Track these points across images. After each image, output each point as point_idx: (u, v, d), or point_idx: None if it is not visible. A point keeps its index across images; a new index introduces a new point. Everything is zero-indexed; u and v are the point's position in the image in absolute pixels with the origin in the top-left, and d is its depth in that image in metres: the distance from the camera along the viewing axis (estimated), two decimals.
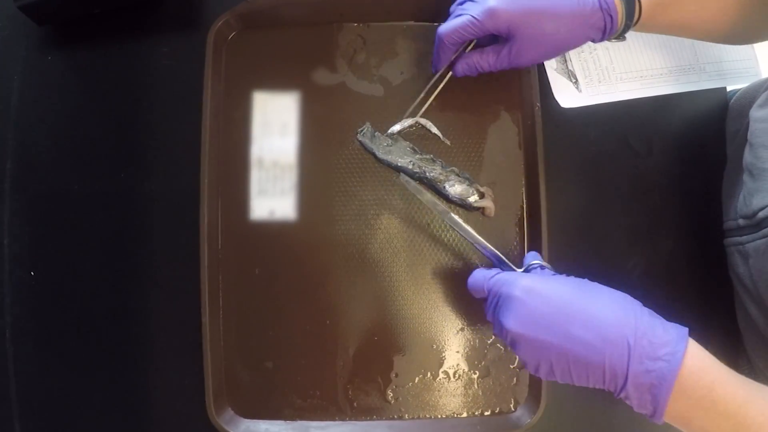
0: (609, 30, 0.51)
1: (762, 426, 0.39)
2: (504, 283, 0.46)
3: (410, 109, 0.58)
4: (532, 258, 0.51)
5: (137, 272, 0.60)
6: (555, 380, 0.44)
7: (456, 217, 0.54)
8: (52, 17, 0.61)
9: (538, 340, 0.42)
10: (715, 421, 0.40)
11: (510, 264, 0.52)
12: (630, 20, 0.51)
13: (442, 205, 0.55)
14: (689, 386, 0.40)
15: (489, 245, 0.52)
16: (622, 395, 0.41)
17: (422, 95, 0.58)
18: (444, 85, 0.60)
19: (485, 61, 0.54)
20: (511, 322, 0.43)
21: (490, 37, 0.54)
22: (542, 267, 0.49)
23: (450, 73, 0.57)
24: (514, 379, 0.58)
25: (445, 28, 0.53)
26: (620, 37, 0.53)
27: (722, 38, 0.58)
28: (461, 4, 0.53)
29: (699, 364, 0.41)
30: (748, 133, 0.55)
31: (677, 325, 0.43)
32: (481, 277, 0.49)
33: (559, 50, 0.53)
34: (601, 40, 0.52)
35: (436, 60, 0.56)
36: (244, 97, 0.60)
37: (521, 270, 0.50)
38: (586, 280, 0.46)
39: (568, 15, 0.50)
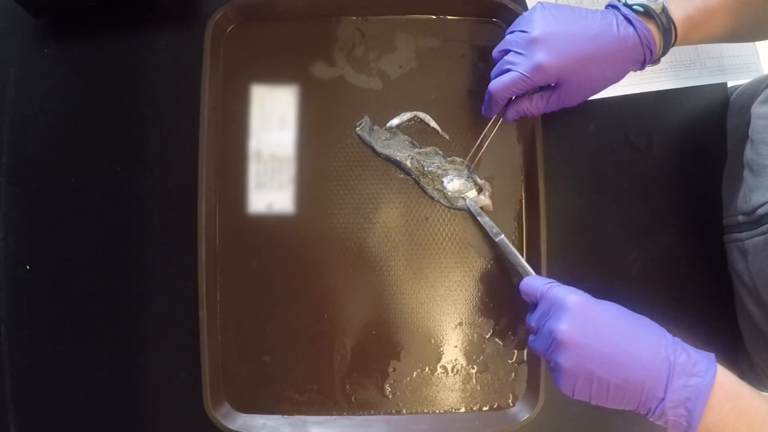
0: (648, 60, 0.51)
1: None
2: (560, 293, 0.47)
3: (470, 155, 0.59)
4: None
5: (134, 266, 0.59)
6: (585, 399, 0.45)
7: (507, 241, 0.56)
8: (48, 9, 0.60)
9: (589, 347, 0.44)
10: None
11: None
12: (667, 48, 0.52)
13: (497, 227, 0.57)
14: (719, 400, 0.42)
15: (532, 272, 0.54)
16: (657, 413, 0.43)
17: (478, 141, 0.59)
18: (443, 81, 0.60)
19: (535, 107, 0.55)
20: (566, 327, 0.44)
21: None
22: None
23: (501, 119, 0.58)
24: (513, 374, 0.58)
25: (495, 85, 0.53)
26: (656, 62, 0.53)
27: (748, 39, 0.58)
28: (505, 53, 0.53)
29: (727, 381, 0.43)
30: (749, 130, 0.54)
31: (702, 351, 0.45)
32: (536, 283, 0.50)
33: (604, 87, 0.53)
34: (641, 69, 0.53)
35: (487, 111, 0.57)
36: (243, 90, 0.60)
37: None
38: None
39: (611, 55, 0.50)
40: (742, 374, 0.64)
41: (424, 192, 0.59)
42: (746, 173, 0.54)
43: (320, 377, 0.57)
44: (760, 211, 0.51)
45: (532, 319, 0.49)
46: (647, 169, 0.63)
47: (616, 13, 0.51)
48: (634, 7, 0.51)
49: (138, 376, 0.58)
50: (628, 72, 0.52)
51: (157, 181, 0.60)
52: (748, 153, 0.54)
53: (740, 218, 0.55)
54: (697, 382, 0.42)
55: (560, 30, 0.50)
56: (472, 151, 0.59)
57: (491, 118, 0.58)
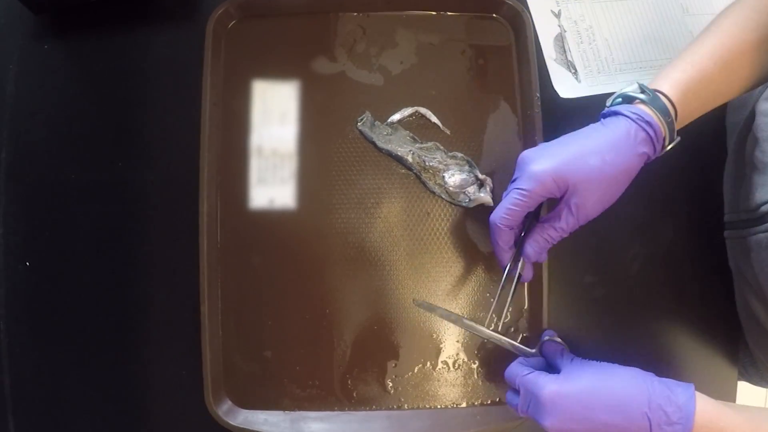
0: (655, 134, 0.48)
1: None
2: (534, 386, 0.49)
3: (488, 317, 0.56)
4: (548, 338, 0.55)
5: (135, 262, 0.59)
6: None
7: (469, 321, 0.55)
8: (48, 5, 0.60)
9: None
10: None
11: (527, 349, 0.54)
12: (667, 116, 0.49)
13: (454, 314, 0.56)
14: None
15: (503, 338, 0.54)
16: None
17: (495, 301, 0.55)
18: (444, 77, 0.60)
19: (552, 228, 0.50)
20: (548, 422, 0.47)
21: (539, 209, 0.52)
22: (558, 346, 0.53)
23: (518, 272, 0.53)
24: None
25: (496, 213, 0.50)
26: (673, 140, 0.51)
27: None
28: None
29: (708, 417, 0.45)
30: (754, 127, 0.54)
31: (683, 384, 0.47)
32: (514, 373, 0.52)
33: (620, 181, 0.49)
34: (660, 148, 0.50)
35: (498, 251, 0.52)
36: (244, 86, 0.60)
37: (535, 350, 0.54)
38: (599, 363, 0.50)
39: (606, 143, 0.48)
40: (744, 370, 0.64)
41: (426, 187, 0.59)
42: (750, 170, 0.54)
43: (321, 373, 0.57)
44: (764, 208, 0.51)
45: (520, 409, 0.51)
46: (647, 165, 0.62)
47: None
48: (613, 103, 0.51)
49: (139, 373, 0.58)
50: (643, 157, 0.49)
51: (157, 177, 0.60)
52: (753, 151, 0.54)
53: (742, 215, 0.55)
54: (677, 429, 0.44)
55: (547, 144, 0.50)
56: (492, 307, 0.55)
57: (507, 265, 0.53)
